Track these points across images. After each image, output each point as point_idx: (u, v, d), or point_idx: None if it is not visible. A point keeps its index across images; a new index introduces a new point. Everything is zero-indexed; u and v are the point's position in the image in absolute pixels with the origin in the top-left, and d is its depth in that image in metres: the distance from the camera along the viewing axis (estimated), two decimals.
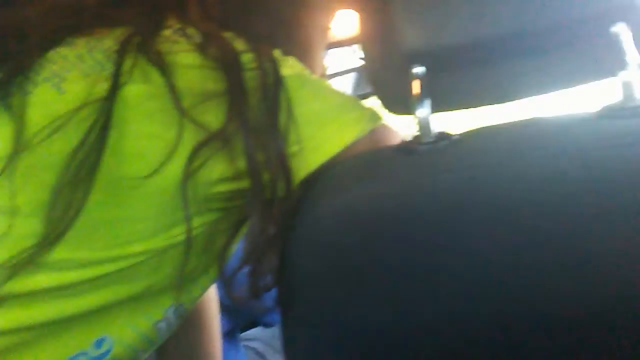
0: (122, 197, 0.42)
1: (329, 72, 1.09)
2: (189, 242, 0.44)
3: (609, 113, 0.39)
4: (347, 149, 0.45)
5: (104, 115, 0.42)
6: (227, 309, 0.78)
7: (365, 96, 1.04)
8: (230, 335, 0.86)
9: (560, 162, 0.36)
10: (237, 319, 0.84)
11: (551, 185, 0.35)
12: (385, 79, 0.48)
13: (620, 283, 0.32)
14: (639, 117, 0.38)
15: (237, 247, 0.50)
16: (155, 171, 0.41)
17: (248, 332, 1.10)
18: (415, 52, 0.42)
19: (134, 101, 0.43)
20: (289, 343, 0.44)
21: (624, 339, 0.33)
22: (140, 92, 0.43)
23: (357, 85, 1.07)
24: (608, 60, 0.39)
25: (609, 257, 0.33)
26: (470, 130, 0.43)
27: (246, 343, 1.04)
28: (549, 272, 0.34)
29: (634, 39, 0.39)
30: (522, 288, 0.34)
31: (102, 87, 0.42)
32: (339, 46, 1.06)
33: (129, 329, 0.46)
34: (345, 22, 1.02)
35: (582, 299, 0.33)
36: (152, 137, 0.42)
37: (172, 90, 0.42)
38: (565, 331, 0.33)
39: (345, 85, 1.11)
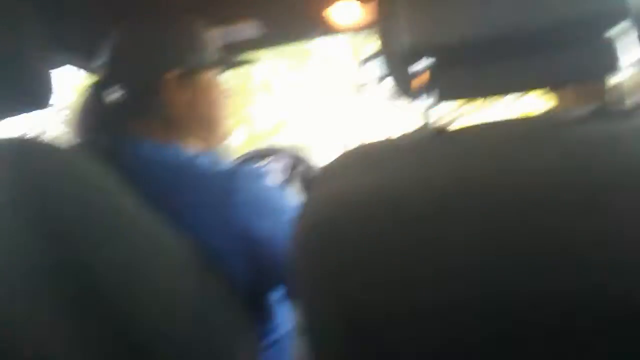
0: None
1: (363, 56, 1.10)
2: None
3: (599, 114, 0.41)
4: None
5: None
6: None
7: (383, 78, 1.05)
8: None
9: (549, 157, 0.38)
10: None
11: (538, 180, 0.37)
12: (397, 69, 0.50)
13: (599, 271, 0.35)
14: (629, 118, 0.40)
15: None
16: None
17: None
18: (422, 47, 0.44)
19: None
20: (297, 314, 0.45)
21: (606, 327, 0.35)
22: None
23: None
24: (599, 63, 0.41)
25: (596, 256, 0.35)
26: (467, 126, 0.45)
27: None
28: (537, 266, 0.36)
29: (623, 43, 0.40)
30: (509, 281, 0.36)
31: None
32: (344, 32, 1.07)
33: None
34: (348, 11, 1.02)
35: (564, 284, 0.35)
36: None
37: None
38: (557, 318, 0.36)
39: (373, 68, 1.12)
